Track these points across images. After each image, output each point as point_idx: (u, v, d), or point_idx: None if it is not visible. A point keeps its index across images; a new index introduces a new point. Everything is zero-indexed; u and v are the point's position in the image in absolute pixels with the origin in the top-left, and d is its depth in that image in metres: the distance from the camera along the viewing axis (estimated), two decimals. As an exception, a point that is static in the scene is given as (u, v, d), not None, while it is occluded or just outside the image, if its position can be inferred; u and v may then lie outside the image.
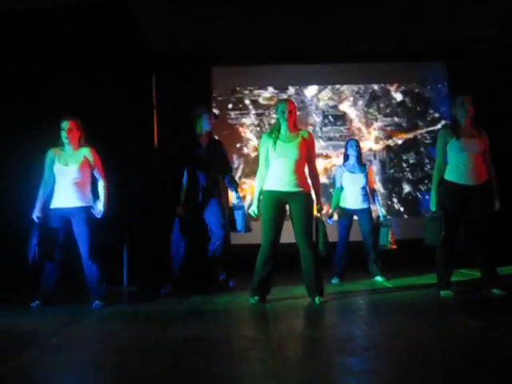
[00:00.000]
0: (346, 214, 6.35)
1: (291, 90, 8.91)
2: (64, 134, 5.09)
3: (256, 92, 8.85)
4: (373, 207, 6.49)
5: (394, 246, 6.23)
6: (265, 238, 4.86)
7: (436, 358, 2.92)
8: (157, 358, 3.14)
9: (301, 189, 4.83)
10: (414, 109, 8.95)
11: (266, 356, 3.13)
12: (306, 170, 4.99)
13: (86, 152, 5.14)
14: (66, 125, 5.09)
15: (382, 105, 8.96)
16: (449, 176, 4.95)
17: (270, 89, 8.88)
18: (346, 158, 6.46)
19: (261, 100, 8.86)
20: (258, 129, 8.79)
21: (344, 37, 7.97)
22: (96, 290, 5.04)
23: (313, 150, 5.02)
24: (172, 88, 8.16)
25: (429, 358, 2.94)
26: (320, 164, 8.45)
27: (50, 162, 5.12)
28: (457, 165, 4.91)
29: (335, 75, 8.81)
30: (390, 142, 8.90)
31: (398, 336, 3.52)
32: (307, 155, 4.92)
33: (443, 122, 8.70)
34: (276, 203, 4.85)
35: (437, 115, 8.90)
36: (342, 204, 6.38)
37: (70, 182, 5.06)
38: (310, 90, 8.92)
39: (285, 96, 8.67)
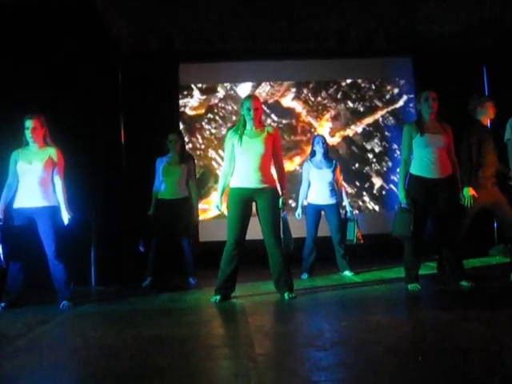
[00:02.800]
0: (313, 210, 6.38)
1: (221, 92, 8.53)
2: (28, 133, 4.95)
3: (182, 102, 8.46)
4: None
5: (362, 241, 6.30)
6: (230, 235, 4.84)
7: (405, 351, 2.96)
8: (126, 357, 3.12)
9: (267, 185, 4.83)
10: (368, 88, 8.60)
11: (236, 353, 3.14)
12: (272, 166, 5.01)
13: (51, 151, 5.02)
14: (30, 123, 4.95)
15: (330, 90, 8.53)
16: (414, 170, 5.03)
17: (197, 94, 8.53)
18: (313, 153, 6.48)
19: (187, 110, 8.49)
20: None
21: (310, 33, 7.99)
22: (63, 290, 4.97)
23: (279, 144, 5.01)
24: (138, 85, 8.08)
25: (398, 351, 2.98)
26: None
27: (14, 162, 4.99)
28: (422, 159, 4.99)
29: (302, 71, 8.66)
30: (349, 132, 8.48)
31: (366, 330, 3.55)
32: (273, 150, 4.91)
33: (405, 96, 8.51)
34: (242, 201, 4.83)
35: (396, 90, 8.62)
36: (310, 200, 6.40)
37: (34, 181, 4.93)
38: (244, 88, 8.52)
39: (214, 99, 8.48)
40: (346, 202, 6.51)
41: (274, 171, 5.01)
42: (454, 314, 3.90)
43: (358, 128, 8.59)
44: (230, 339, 3.55)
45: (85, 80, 6.88)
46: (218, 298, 4.83)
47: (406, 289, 5.02)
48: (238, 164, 4.88)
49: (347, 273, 6.24)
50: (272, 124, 8.34)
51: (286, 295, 4.78)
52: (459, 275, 4.99)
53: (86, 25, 6.75)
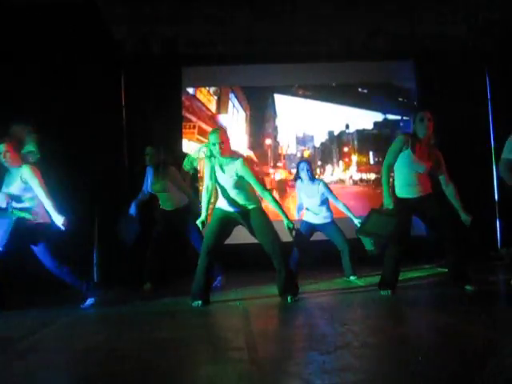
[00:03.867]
0: (307, 227, 6.41)
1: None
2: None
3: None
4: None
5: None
6: (205, 246, 4.91)
7: (408, 354, 2.95)
8: (128, 359, 3.11)
9: (248, 207, 4.92)
10: (368, 91, 8.54)
11: (239, 356, 3.13)
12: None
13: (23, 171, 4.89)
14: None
15: (332, 93, 8.44)
16: (398, 192, 5.06)
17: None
18: (299, 179, 6.46)
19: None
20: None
21: (313, 37, 7.99)
22: (81, 289, 5.01)
23: (248, 174, 4.86)
24: (141, 88, 8.07)
25: (401, 354, 2.98)
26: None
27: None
28: (403, 180, 5.02)
29: (303, 75, 8.64)
30: (349, 136, 8.51)
31: (369, 334, 3.55)
32: (246, 178, 4.88)
33: (406, 100, 8.47)
34: (225, 219, 4.95)
35: (397, 93, 8.59)
36: (305, 218, 6.46)
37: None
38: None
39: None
40: (350, 215, 6.33)
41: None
42: (457, 317, 3.89)
43: (359, 132, 8.63)
44: (233, 342, 3.54)
45: (87, 82, 6.90)
46: (200, 302, 4.88)
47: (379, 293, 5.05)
48: (219, 191, 4.99)
49: (352, 278, 6.22)
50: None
51: (288, 298, 4.81)
52: (463, 279, 4.97)
53: (89, 27, 6.79)
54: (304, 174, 6.37)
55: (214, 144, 4.82)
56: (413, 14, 7.56)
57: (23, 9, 6.34)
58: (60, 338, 3.94)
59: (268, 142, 8.64)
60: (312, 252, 6.50)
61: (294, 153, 8.71)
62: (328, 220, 6.38)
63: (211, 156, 4.91)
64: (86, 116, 6.86)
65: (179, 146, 8.13)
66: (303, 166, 6.42)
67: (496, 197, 8.20)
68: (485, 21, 7.59)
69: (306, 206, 6.47)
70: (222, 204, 4.98)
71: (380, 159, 8.61)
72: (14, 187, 4.88)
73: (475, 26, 7.70)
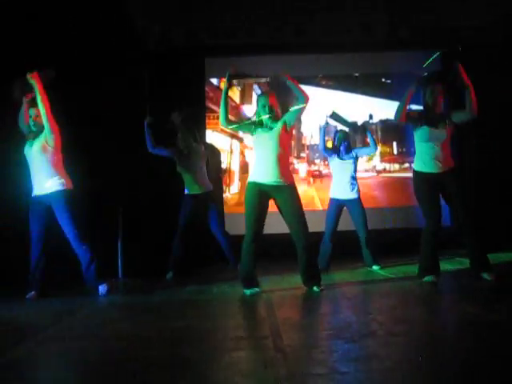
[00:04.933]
0: (335, 205, 6.32)
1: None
2: (31, 121, 5.08)
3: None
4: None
5: None
6: (248, 231, 4.78)
7: (433, 343, 2.94)
8: (154, 347, 3.14)
9: (284, 182, 4.77)
10: (393, 82, 8.54)
11: (264, 344, 3.14)
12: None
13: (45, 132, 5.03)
14: (33, 112, 5.06)
15: (356, 84, 8.48)
16: (417, 166, 5.03)
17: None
18: (334, 147, 6.43)
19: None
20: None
21: (337, 27, 7.94)
22: (88, 274, 5.04)
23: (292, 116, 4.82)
24: (165, 81, 8.09)
25: (426, 343, 2.97)
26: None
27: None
28: (423, 155, 5.00)
29: (327, 65, 8.62)
30: (372, 126, 8.44)
31: (394, 322, 3.54)
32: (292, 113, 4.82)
33: None
34: (260, 196, 4.76)
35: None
36: (331, 194, 6.38)
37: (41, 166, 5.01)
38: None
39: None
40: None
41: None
42: (480, 306, 3.86)
43: (382, 122, 8.56)
44: (258, 330, 3.56)
45: (110, 75, 6.92)
46: (254, 289, 4.82)
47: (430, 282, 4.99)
48: (255, 157, 4.87)
49: (374, 267, 6.19)
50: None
51: (314, 288, 4.77)
52: (481, 266, 4.90)
53: (112, 19, 6.79)
54: (341, 145, 6.33)
55: (263, 106, 4.78)
56: (438, 4, 7.46)
57: (46, 5, 6.36)
58: (86, 325, 3.98)
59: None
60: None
61: (318, 143, 8.67)
62: (355, 196, 6.27)
63: (258, 123, 4.83)
64: (110, 112, 6.89)
65: (203, 136, 8.14)
66: (341, 135, 6.40)
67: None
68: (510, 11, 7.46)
69: (336, 180, 6.35)
70: (257, 176, 4.79)
71: (404, 149, 8.55)
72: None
73: (502, 17, 7.57)
